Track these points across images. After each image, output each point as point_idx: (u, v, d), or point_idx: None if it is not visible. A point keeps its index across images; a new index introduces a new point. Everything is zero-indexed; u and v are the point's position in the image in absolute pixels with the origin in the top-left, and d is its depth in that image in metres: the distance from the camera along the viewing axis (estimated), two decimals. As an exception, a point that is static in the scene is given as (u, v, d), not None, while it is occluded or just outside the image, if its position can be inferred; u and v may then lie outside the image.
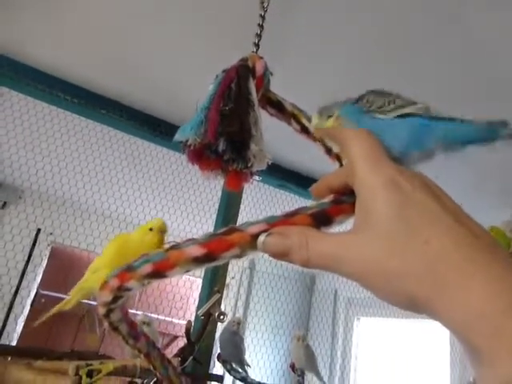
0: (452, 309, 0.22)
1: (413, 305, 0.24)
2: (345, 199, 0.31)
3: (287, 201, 1.84)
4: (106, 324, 0.40)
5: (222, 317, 0.90)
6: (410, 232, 0.24)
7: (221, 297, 1.01)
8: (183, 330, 0.98)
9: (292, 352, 1.45)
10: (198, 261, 0.30)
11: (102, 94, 1.39)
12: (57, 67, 1.30)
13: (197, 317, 1.01)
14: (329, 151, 0.42)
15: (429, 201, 0.25)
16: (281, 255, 0.28)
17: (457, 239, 0.24)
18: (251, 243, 0.29)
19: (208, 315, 0.93)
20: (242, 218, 1.47)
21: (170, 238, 2.12)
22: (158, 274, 0.31)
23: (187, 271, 0.31)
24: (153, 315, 2.42)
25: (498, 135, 0.32)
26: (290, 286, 2.96)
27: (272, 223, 0.29)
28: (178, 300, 2.51)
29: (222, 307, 1.07)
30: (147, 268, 0.31)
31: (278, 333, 2.81)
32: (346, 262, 0.26)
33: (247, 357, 1.39)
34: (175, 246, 0.31)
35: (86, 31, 1.14)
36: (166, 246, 0.32)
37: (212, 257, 0.29)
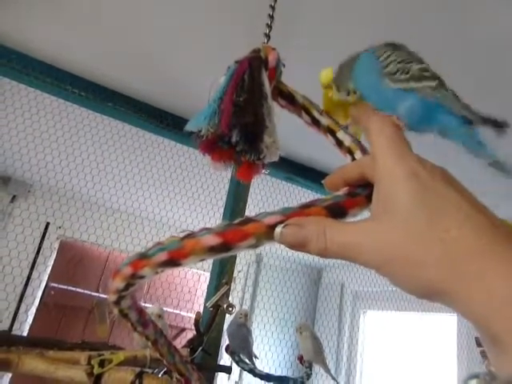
0: (471, 297, 0.22)
1: (430, 293, 0.24)
2: (359, 192, 0.31)
3: (295, 194, 1.84)
4: (115, 311, 0.40)
5: (230, 308, 0.91)
6: (429, 220, 0.25)
7: (229, 289, 1.01)
8: (191, 323, 0.99)
9: (300, 344, 1.46)
10: (213, 250, 0.30)
11: (110, 87, 1.39)
12: (64, 60, 1.30)
13: (205, 308, 1.02)
14: (340, 144, 0.41)
15: (448, 191, 0.26)
16: (299, 245, 0.28)
17: (476, 228, 0.24)
18: (267, 234, 0.29)
19: (217, 307, 0.94)
20: (250, 212, 1.47)
21: (178, 231, 2.15)
22: (173, 262, 0.31)
23: (202, 260, 0.31)
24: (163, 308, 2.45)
25: (490, 157, 0.33)
26: (297, 279, 2.96)
27: (288, 214, 0.29)
28: (186, 293, 2.53)
29: (230, 300, 1.08)
30: (162, 256, 0.31)
31: (285, 325, 2.83)
32: (365, 250, 0.26)
33: (255, 349, 1.40)
34: (190, 235, 0.31)
35: (93, 23, 1.14)
36: (181, 234, 0.33)
37: (228, 246, 0.29)
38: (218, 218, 1.47)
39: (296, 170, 1.64)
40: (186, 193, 1.82)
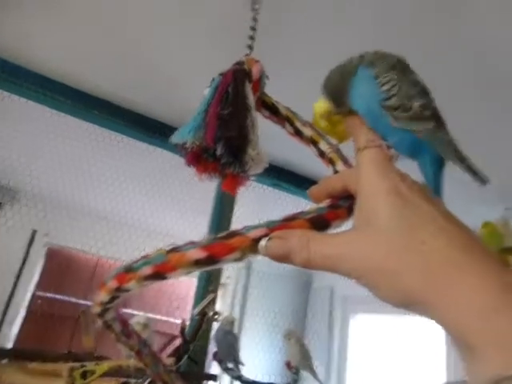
0: (446, 306, 0.23)
1: (409, 303, 0.25)
2: (341, 203, 0.32)
3: (281, 200, 1.84)
4: (99, 322, 0.40)
5: (216, 316, 0.91)
6: (408, 233, 0.26)
7: (215, 296, 1.01)
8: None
9: (288, 350, 1.46)
10: (199, 263, 0.30)
11: (95, 95, 1.39)
12: (48, 67, 1.30)
13: (192, 316, 1.02)
14: (322, 154, 0.42)
15: (425, 205, 0.27)
16: (282, 258, 0.29)
17: (451, 240, 0.25)
18: (252, 247, 0.30)
19: (203, 315, 0.94)
20: (237, 218, 1.48)
21: (166, 238, 2.12)
22: (159, 275, 0.31)
23: (188, 273, 0.31)
24: (151, 315, 2.42)
25: None
26: (286, 284, 2.96)
27: (272, 227, 0.30)
28: (176, 300, 2.50)
29: (219, 306, 1.08)
30: (147, 270, 0.32)
31: (274, 330, 2.82)
32: (347, 261, 0.27)
33: (244, 355, 1.40)
34: (176, 249, 0.32)
35: (77, 30, 1.14)
36: (167, 247, 0.33)
37: (213, 260, 0.30)
38: (205, 224, 1.47)
39: (283, 176, 1.65)
40: (172, 200, 1.81)
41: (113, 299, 0.36)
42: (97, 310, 0.38)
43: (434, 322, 0.25)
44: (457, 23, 0.92)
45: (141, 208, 1.96)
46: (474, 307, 0.22)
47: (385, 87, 0.35)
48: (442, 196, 0.35)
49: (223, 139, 0.41)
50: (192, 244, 0.31)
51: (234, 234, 0.30)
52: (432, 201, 0.28)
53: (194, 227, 2.00)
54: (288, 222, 0.31)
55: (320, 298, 2.93)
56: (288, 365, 1.43)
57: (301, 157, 1.55)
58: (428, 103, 0.35)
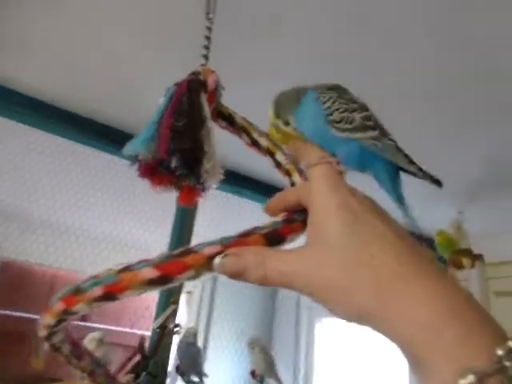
0: (395, 320, 0.23)
1: (359, 318, 0.25)
2: (296, 217, 0.32)
3: (244, 207, 1.84)
4: (46, 346, 0.38)
5: (177, 328, 0.89)
6: (358, 248, 0.26)
7: (176, 308, 0.99)
8: (147, 342, 0.95)
9: (252, 359, 1.45)
10: (152, 283, 0.29)
11: (50, 103, 1.34)
12: (3, 77, 1.24)
13: (152, 330, 0.99)
14: (278, 165, 0.43)
15: (375, 220, 0.27)
16: (238, 275, 0.29)
17: (399, 254, 0.25)
18: (207, 265, 0.29)
19: (163, 327, 0.91)
20: (199, 227, 1.46)
21: (130, 250, 2.06)
22: (109, 296, 0.30)
23: (141, 293, 0.30)
24: (113, 327, 2.34)
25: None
26: (253, 291, 2.95)
27: (227, 244, 0.30)
28: (140, 309, 2.43)
29: (185, 316, 1.05)
30: (97, 291, 0.30)
31: (242, 339, 2.79)
32: (300, 277, 0.27)
33: (210, 364, 1.38)
34: (128, 268, 0.30)
35: (31, 37, 1.09)
36: (117, 267, 0.32)
37: (167, 279, 0.29)
38: (168, 234, 1.44)
39: (244, 183, 1.65)
40: (132, 210, 1.77)
41: (60, 322, 0.34)
42: (43, 333, 0.36)
43: (384, 336, 0.25)
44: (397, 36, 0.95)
45: (97, 219, 1.91)
46: (420, 319, 0.22)
47: (326, 105, 0.37)
48: (405, 203, 0.36)
49: (177, 151, 0.40)
50: (145, 262, 0.30)
51: (189, 251, 0.30)
52: (382, 215, 0.28)
53: (156, 237, 1.96)
54: (243, 237, 0.30)
55: (286, 304, 2.94)
56: (253, 374, 1.43)
57: (262, 164, 1.55)
58: (369, 115, 0.37)
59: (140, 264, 0.30)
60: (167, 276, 0.29)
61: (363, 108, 0.37)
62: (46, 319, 0.33)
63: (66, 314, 0.32)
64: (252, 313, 2.90)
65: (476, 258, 1.67)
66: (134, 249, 1.98)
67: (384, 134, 0.36)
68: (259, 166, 1.60)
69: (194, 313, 2.73)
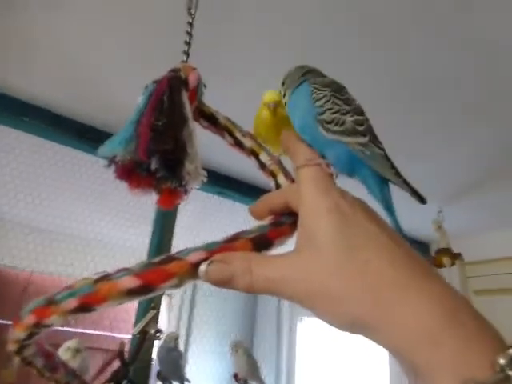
0: (391, 327, 0.22)
1: (355, 326, 0.24)
2: (284, 220, 0.31)
3: (227, 207, 1.82)
4: (16, 360, 0.36)
5: (158, 334, 0.87)
6: (350, 253, 0.25)
7: (157, 313, 0.97)
8: (127, 346, 0.93)
9: (235, 362, 1.44)
10: (132, 293, 0.27)
11: (24, 100, 1.29)
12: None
13: (132, 336, 0.96)
14: (263, 166, 0.41)
15: (367, 223, 0.26)
16: (224, 283, 0.27)
17: (394, 259, 0.24)
18: (191, 272, 0.27)
19: (144, 333, 0.89)
20: (181, 228, 1.44)
21: (103, 250, 2.01)
22: (85, 308, 0.28)
23: (120, 304, 0.28)
24: (92, 331, 2.29)
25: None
26: (234, 292, 2.93)
27: (212, 250, 0.28)
28: (120, 312, 2.38)
29: (166, 319, 1.02)
30: (72, 302, 0.28)
31: (224, 340, 2.78)
32: (288, 284, 0.26)
33: (192, 367, 1.36)
34: (106, 277, 0.28)
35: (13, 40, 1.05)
36: (95, 276, 0.29)
37: (148, 288, 0.27)
38: (148, 234, 1.41)
39: (228, 184, 1.63)
40: (110, 210, 1.73)
41: (31, 335, 0.31)
42: (13, 347, 0.33)
43: (379, 346, 0.24)
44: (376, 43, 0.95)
45: (73, 220, 1.86)
46: (418, 329, 0.21)
47: (318, 103, 0.36)
48: (393, 210, 0.35)
49: (158, 152, 0.38)
50: (124, 271, 0.28)
51: (171, 258, 0.28)
52: (374, 217, 0.27)
53: (136, 237, 1.92)
54: (229, 243, 0.29)
55: (269, 303, 2.94)
56: (236, 377, 1.41)
57: (245, 164, 1.54)
58: (362, 120, 0.36)
59: (119, 273, 0.28)
60: (149, 285, 0.27)
61: (357, 112, 0.36)
62: (16, 333, 0.31)
63: (37, 327, 0.30)
64: (233, 314, 2.89)
65: (455, 256, 1.70)
66: (112, 251, 1.93)
67: (374, 141, 0.35)
68: (242, 166, 1.58)
69: (175, 316, 2.70)
